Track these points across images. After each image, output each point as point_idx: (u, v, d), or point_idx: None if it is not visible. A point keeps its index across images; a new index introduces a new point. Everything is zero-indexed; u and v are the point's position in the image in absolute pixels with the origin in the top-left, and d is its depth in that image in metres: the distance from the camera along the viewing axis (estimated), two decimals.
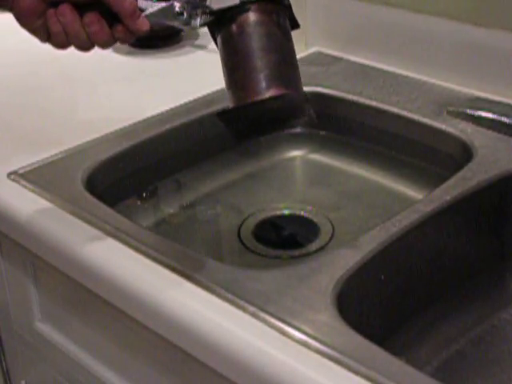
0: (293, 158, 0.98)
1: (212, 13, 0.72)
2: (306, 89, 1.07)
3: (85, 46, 0.72)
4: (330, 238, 0.89)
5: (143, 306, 0.71)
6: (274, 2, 0.72)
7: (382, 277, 0.76)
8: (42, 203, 0.84)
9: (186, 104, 1.05)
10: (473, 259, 0.87)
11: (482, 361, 0.82)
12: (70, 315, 0.89)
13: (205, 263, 0.74)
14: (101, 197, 0.85)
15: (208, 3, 0.72)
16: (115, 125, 0.98)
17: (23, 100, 1.09)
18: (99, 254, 0.76)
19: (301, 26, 0.73)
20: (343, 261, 0.72)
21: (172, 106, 1.04)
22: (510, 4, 0.99)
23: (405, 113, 1.00)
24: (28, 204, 0.84)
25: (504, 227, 0.88)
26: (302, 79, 1.11)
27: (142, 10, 0.71)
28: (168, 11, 0.72)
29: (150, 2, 0.73)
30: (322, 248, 0.87)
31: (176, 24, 0.73)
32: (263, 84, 0.69)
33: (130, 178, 0.96)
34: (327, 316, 0.65)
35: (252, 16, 0.70)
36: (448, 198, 0.81)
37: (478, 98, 1.01)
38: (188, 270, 0.72)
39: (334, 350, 0.62)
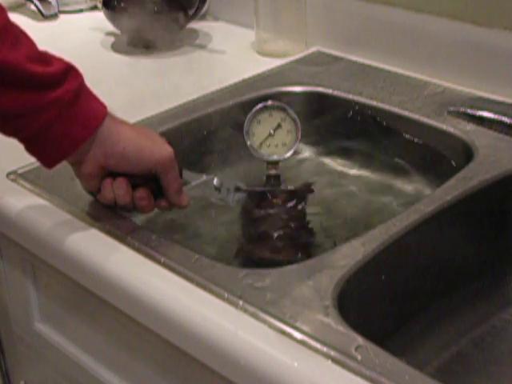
0: (292, 159, 0.97)
1: (241, 190, 0.85)
2: (306, 89, 1.08)
3: (127, 210, 0.78)
4: (330, 238, 0.88)
5: (142, 306, 0.71)
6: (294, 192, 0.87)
7: (383, 277, 0.75)
8: (41, 203, 0.84)
9: (185, 104, 1.05)
10: (473, 259, 0.87)
11: (482, 362, 0.82)
12: (69, 316, 0.88)
13: (205, 263, 0.73)
14: None
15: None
16: None
17: None
18: (98, 255, 0.76)
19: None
20: (343, 261, 0.72)
21: (172, 105, 1.04)
22: (510, 4, 0.99)
23: (405, 113, 1.00)
24: (27, 204, 0.84)
25: (505, 227, 0.88)
26: (303, 79, 1.11)
27: (186, 183, 0.80)
28: (208, 184, 0.82)
29: (193, 175, 0.81)
30: (321, 248, 0.87)
31: (213, 199, 0.84)
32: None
33: None
34: (327, 316, 0.65)
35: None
36: (448, 197, 0.81)
37: (479, 98, 1.00)
38: (188, 270, 0.72)
39: (333, 350, 0.62)
